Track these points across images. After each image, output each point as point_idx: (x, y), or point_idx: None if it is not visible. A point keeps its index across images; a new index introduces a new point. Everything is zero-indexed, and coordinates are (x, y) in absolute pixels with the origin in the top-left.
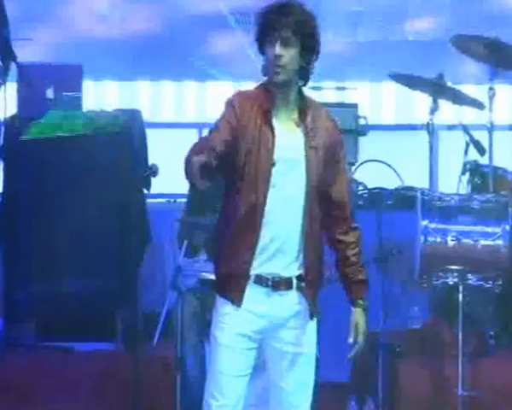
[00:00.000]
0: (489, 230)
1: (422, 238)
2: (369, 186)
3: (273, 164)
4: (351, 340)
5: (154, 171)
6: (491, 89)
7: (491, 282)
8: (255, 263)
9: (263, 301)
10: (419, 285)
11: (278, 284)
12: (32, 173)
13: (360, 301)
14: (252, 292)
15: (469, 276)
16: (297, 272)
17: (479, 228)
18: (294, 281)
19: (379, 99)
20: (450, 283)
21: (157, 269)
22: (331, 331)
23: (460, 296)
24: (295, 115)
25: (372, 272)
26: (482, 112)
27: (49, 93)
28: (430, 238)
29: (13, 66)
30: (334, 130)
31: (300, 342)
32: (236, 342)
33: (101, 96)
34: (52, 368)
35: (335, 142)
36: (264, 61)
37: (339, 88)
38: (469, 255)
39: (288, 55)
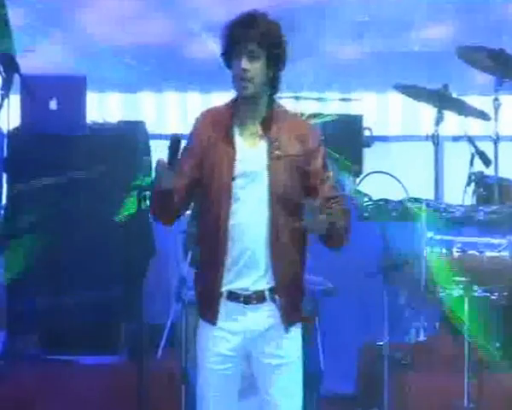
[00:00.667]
0: (494, 241)
1: (428, 250)
2: (374, 198)
3: (233, 178)
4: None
5: None
6: (496, 100)
7: (496, 293)
8: (226, 279)
9: (236, 317)
10: (424, 297)
11: (250, 299)
12: (35, 186)
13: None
14: (225, 309)
15: (475, 288)
16: (269, 285)
17: (484, 239)
18: (267, 293)
19: (384, 110)
20: (456, 294)
21: (161, 280)
22: (335, 344)
23: (465, 308)
24: (259, 127)
25: (377, 284)
26: (487, 123)
27: (53, 105)
28: (435, 250)
29: (16, 77)
30: (311, 139)
31: (281, 354)
32: (215, 363)
33: (104, 107)
34: (56, 381)
35: (310, 150)
36: (232, 74)
37: (344, 99)
38: (475, 267)
39: (254, 68)
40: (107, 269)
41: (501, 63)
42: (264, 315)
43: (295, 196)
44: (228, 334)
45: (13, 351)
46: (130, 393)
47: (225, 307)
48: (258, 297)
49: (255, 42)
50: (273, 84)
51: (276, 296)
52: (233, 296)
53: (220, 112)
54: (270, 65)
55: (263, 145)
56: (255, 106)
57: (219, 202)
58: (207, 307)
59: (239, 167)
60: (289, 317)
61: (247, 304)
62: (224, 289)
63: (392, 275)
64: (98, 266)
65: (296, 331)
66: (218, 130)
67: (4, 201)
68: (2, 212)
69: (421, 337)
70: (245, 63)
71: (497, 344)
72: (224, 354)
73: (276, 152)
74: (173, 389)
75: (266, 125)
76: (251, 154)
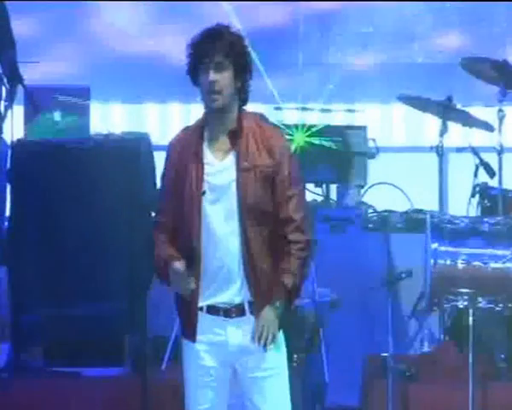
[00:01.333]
0: (499, 252)
1: (432, 261)
2: (379, 209)
3: (203, 193)
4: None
5: None
6: (500, 111)
7: (501, 305)
8: (205, 294)
9: (217, 330)
10: (429, 308)
11: (230, 312)
12: (40, 197)
13: (275, 302)
14: (206, 323)
15: (480, 299)
16: (247, 298)
17: (489, 251)
18: (246, 306)
19: (388, 121)
20: (461, 306)
21: (166, 293)
22: (340, 356)
23: (470, 319)
24: (227, 140)
25: (382, 295)
26: (492, 134)
27: (57, 116)
28: (440, 261)
29: (20, 88)
30: (280, 149)
31: (266, 366)
32: (200, 376)
33: (108, 118)
34: (60, 393)
35: (279, 161)
36: (200, 91)
37: (348, 110)
38: (479, 278)
39: (222, 79)
40: (112, 281)
41: (505, 74)
42: (245, 328)
43: (265, 206)
44: (209, 347)
45: (17, 363)
46: (134, 405)
47: (205, 320)
48: (238, 311)
49: (221, 53)
50: (241, 95)
51: (255, 309)
52: (213, 310)
53: (191, 130)
54: (238, 76)
55: (231, 158)
56: (224, 118)
57: (191, 220)
58: (187, 324)
59: (207, 182)
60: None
61: (226, 317)
62: (205, 303)
63: (397, 286)
64: (102, 277)
65: (278, 342)
66: (188, 149)
67: (8, 212)
68: (7, 223)
69: (426, 349)
70: (213, 75)
71: (502, 355)
72: (208, 365)
73: (245, 164)
74: (177, 401)
75: (234, 137)
76: (219, 167)
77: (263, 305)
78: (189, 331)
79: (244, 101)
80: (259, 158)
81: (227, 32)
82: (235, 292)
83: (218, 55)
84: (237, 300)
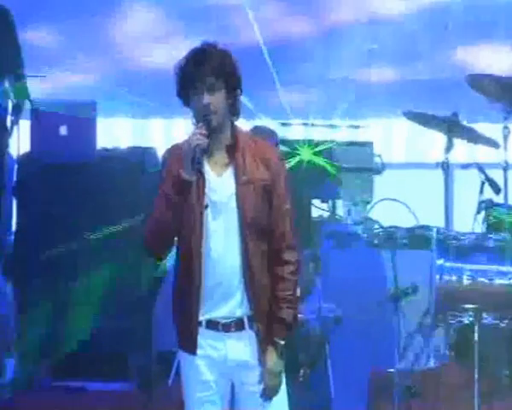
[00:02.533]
0: (504, 269)
1: (438, 277)
2: (385, 225)
3: (206, 206)
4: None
5: None
6: (505, 128)
7: (506, 321)
8: (204, 309)
9: (217, 345)
10: (434, 324)
11: (229, 327)
12: (45, 211)
13: (276, 340)
14: (205, 338)
15: (485, 315)
16: (246, 312)
17: (494, 267)
18: (245, 320)
19: (394, 137)
20: (466, 322)
21: (171, 308)
22: (346, 371)
23: (475, 336)
24: (225, 155)
25: (387, 311)
26: (497, 150)
27: (63, 130)
28: (445, 277)
29: (26, 103)
30: (276, 163)
31: (260, 381)
32: (200, 391)
33: (114, 133)
34: (65, 407)
35: (277, 174)
36: (193, 112)
37: (352, 126)
38: (485, 294)
39: (216, 100)
40: (117, 296)
41: (510, 91)
42: (245, 343)
43: (263, 221)
44: (209, 361)
45: (23, 377)
46: None
47: (205, 335)
48: (237, 325)
49: (213, 75)
50: (233, 111)
51: (254, 324)
52: (212, 324)
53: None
54: (229, 93)
55: (230, 172)
56: (219, 135)
57: (192, 235)
58: (186, 338)
59: (209, 197)
60: (267, 343)
61: (226, 332)
62: (204, 318)
63: (402, 302)
64: (108, 292)
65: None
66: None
67: (14, 226)
68: (13, 237)
69: (431, 365)
70: (206, 98)
71: (507, 372)
72: (208, 379)
73: (243, 177)
74: None
75: (231, 152)
76: (218, 182)
77: (262, 319)
78: (189, 344)
79: (236, 116)
80: (257, 171)
81: (215, 51)
82: (234, 306)
83: (210, 77)
84: (237, 314)
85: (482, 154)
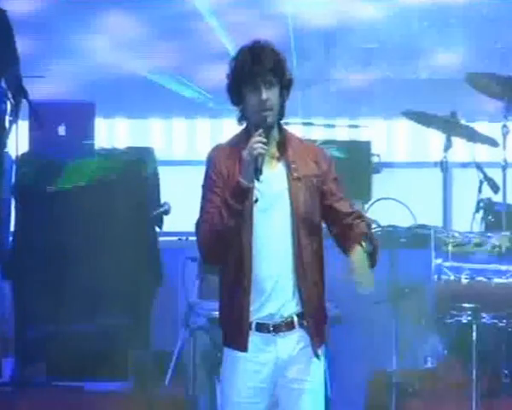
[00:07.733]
0: (502, 268)
1: (436, 276)
2: (383, 224)
3: (256, 200)
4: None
5: (166, 209)
6: (504, 126)
7: (505, 320)
8: (253, 307)
9: (266, 348)
10: (432, 324)
11: (279, 327)
12: (44, 211)
13: (362, 243)
14: (254, 341)
15: (483, 314)
16: (296, 309)
17: (492, 266)
18: (295, 319)
19: (393, 136)
20: (464, 321)
21: (169, 307)
22: (344, 371)
23: (474, 335)
24: (275, 150)
25: (385, 311)
26: (496, 149)
27: (61, 131)
28: (444, 276)
29: (24, 103)
30: (323, 160)
31: (305, 378)
32: (246, 397)
33: (113, 133)
34: (63, 407)
35: (325, 171)
36: (245, 108)
37: (351, 126)
38: (483, 294)
39: (273, 96)
40: (116, 296)
41: (509, 90)
42: (293, 342)
43: (315, 216)
44: (258, 366)
45: (21, 378)
46: None
47: (254, 338)
48: (288, 324)
49: (271, 72)
50: (281, 111)
51: (305, 322)
52: (262, 327)
53: (231, 144)
54: (282, 92)
55: (281, 168)
56: (271, 133)
57: (242, 229)
58: (237, 336)
59: (260, 190)
60: (318, 340)
61: (276, 333)
62: (253, 318)
63: (400, 302)
64: (106, 292)
65: (321, 356)
66: (233, 161)
67: (13, 227)
68: (11, 238)
69: (430, 364)
70: (265, 94)
71: (506, 371)
72: (256, 386)
73: (295, 174)
74: None
75: (282, 148)
76: (270, 176)
77: (313, 316)
78: (240, 341)
79: (282, 115)
80: (307, 168)
81: (271, 50)
82: (283, 303)
83: (269, 73)
84: (286, 311)
85: (481, 153)
